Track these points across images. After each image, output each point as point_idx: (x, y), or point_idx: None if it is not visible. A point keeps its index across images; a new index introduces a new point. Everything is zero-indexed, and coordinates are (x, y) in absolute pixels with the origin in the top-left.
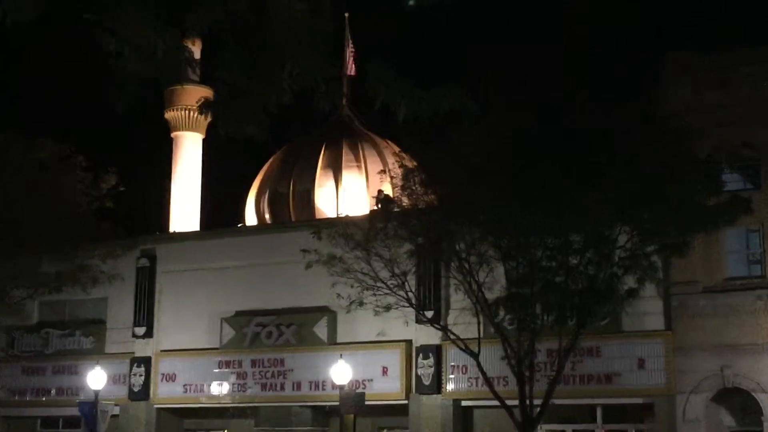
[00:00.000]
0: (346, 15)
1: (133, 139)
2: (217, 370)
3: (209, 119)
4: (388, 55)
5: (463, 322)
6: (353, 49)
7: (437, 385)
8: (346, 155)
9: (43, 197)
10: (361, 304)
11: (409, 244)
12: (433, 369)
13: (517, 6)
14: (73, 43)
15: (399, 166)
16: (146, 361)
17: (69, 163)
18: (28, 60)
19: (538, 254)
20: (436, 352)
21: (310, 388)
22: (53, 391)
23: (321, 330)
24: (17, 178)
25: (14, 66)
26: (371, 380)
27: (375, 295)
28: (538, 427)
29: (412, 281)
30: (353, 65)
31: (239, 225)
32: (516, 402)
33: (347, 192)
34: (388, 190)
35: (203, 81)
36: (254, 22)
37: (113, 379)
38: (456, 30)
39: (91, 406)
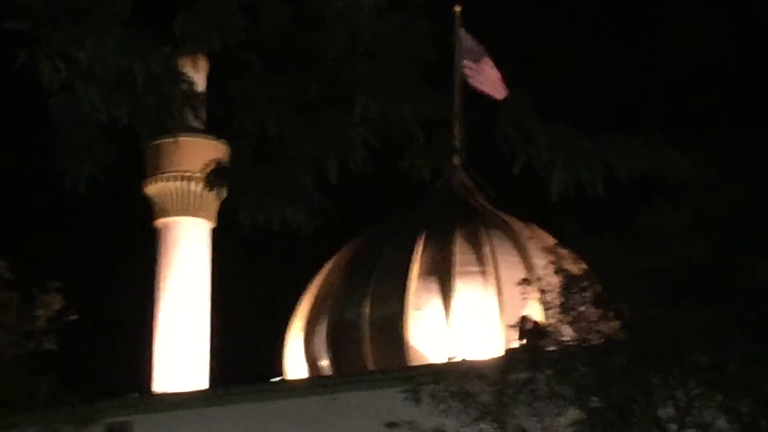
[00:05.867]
0: (457, 9)
1: (91, 233)
2: None
3: (223, 197)
4: (529, 80)
5: None
6: (474, 56)
7: None
8: (462, 253)
9: None
10: None
11: (577, 409)
12: None
13: None
14: None
15: (555, 272)
16: None
17: None
18: None
19: None
20: None
21: None
22: None
23: None
24: None
25: None
26: None
27: None
28: None
29: None
30: (497, 82)
31: (276, 379)
32: None
33: (464, 318)
34: (536, 313)
35: (211, 130)
36: (296, 27)
37: None
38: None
39: None
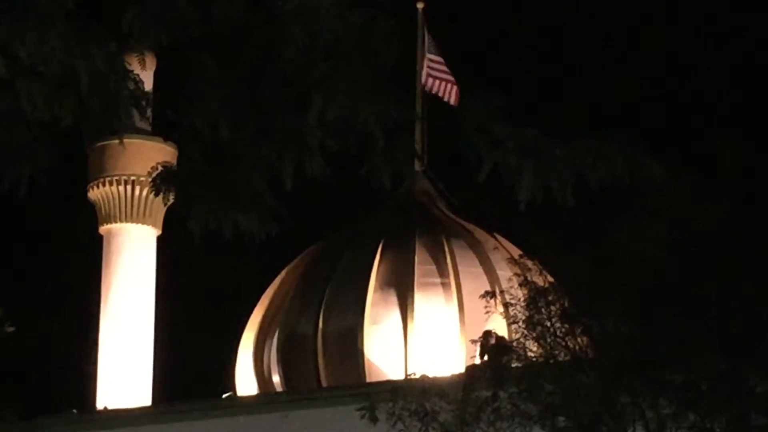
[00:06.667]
0: (420, 6)
1: (31, 240)
2: None
3: (170, 202)
4: (494, 80)
5: None
6: (433, 60)
7: None
8: (423, 264)
9: None
10: None
11: (542, 428)
12: None
13: None
14: None
15: (521, 285)
16: None
17: None
18: None
19: None
20: None
21: None
22: None
23: None
24: None
25: None
26: None
27: None
28: None
29: None
30: (449, 89)
31: (225, 395)
32: None
33: (424, 332)
34: (500, 328)
35: (159, 132)
36: (251, 23)
37: None
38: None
39: None
